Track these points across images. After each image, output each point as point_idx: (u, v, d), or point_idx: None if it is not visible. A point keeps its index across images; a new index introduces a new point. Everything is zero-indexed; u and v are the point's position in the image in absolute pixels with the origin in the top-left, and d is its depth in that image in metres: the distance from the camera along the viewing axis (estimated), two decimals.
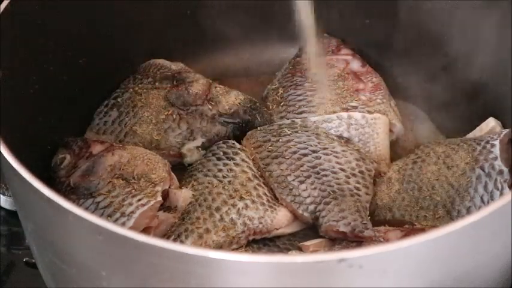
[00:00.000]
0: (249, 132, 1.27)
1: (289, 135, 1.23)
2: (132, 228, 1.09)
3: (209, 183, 1.18)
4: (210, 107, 1.30)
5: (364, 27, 1.38)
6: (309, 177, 1.18)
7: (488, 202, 1.15)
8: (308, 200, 1.16)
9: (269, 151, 1.22)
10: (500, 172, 1.17)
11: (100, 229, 0.86)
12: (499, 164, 1.17)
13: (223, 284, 0.87)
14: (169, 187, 1.17)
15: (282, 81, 1.35)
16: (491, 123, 1.26)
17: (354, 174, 1.18)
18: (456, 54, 1.29)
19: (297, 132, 1.24)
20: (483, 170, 1.17)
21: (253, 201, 1.16)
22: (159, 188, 1.15)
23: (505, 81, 1.24)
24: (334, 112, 1.28)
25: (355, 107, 1.29)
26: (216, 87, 1.32)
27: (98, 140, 1.24)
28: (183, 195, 1.17)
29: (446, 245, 0.87)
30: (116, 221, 1.10)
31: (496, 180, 1.16)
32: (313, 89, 1.32)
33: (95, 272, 0.94)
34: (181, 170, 1.25)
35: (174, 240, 1.13)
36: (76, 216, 0.87)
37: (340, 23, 1.39)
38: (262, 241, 1.16)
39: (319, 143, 1.22)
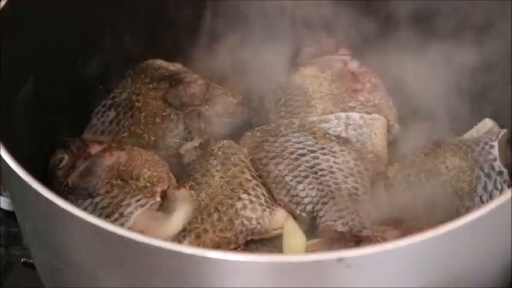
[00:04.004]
0: (247, 133, 1.27)
1: (287, 135, 1.23)
2: (130, 228, 1.09)
3: (207, 183, 1.18)
4: (207, 107, 1.30)
5: (363, 27, 1.38)
6: (306, 177, 1.18)
7: (487, 202, 1.15)
8: (306, 200, 1.16)
9: (267, 151, 1.22)
10: (500, 173, 1.17)
11: (98, 229, 0.86)
12: (498, 164, 1.17)
13: (221, 284, 0.87)
14: (167, 187, 1.17)
15: (280, 81, 1.35)
16: (488, 124, 1.26)
17: (352, 174, 1.18)
18: (455, 54, 1.29)
19: (294, 132, 1.23)
20: (482, 171, 1.17)
21: (251, 202, 1.16)
22: (157, 189, 1.15)
23: (505, 81, 1.24)
24: (332, 112, 1.28)
25: (353, 107, 1.29)
26: (213, 87, 1.32)
27: (96, 140, 1.24)
28: (181, 196, 1.17)
29: (444, 244, 0.87)
30: (114, 221, 1.10)
31: (495, 180, 1.16)
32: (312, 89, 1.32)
33: (93, 272, 0.94)
34: (180, 170, 1.25)
35: (172, 240, 1.12)
36: (74, 217, 0.87)
37: (339, 22, 1.39)
38: (261, 241, 1.16)
39: (316, 143, 1.21)
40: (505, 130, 1.22)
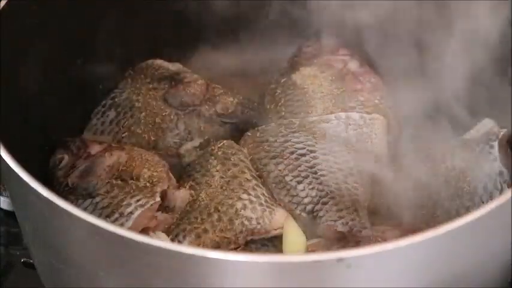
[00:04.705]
0: (247, 133, 1.27)
1: (286, 135, 1.23)
2: (130, 228, 1.09)
3: (207, 183, 1.18)
4: (207, 107, 1.30)
5: (362, 28, 1.38)
6: (306, 177, 1.18)
7: (487, 202, 1.15)
8: (306, 200, 1.16)
9: (267, 151, 1.22)
10: (500, 173, 1.17)
11: (98, 229, 0.86)
12: (498, 165, 1.17)
13: (221, 284, 0.87)
14: (167, 187, 1.17)
15: (280, 81, 1.35)
16: (488, 124, 1.26)
17: (351, 174, 1.18)
18: (454, 54, 1.29)
19: (294, 132, 1.23)
20: (482, 171, 1.17)
21: (251, 202, 1.16)
22: (157, 189, 1.15)
23: (505, 81, 1.24)
24: (332, 112, 1.28)
25: (353, 108, 1.29)
26: (213, 87, 1.33)
27: (96, 140, 1.24)
28: (181, 196, 1.17)
29: (444, 244, 0.87)
30: (114, 221, 1.10)
31: (495, 180, 1.16)
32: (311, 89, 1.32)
33: (93, 272, 0.94)
34: (180, 170, 1.25)
35: (172, 240, 1.12)
36: (74, 217, 0.87)
37: (338, 22, 1.39)
38: (261, 241, 1.16)
39: (316, 143, 1.22)
40: (505, 130, 1.22)
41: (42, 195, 0.89)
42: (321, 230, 1.14)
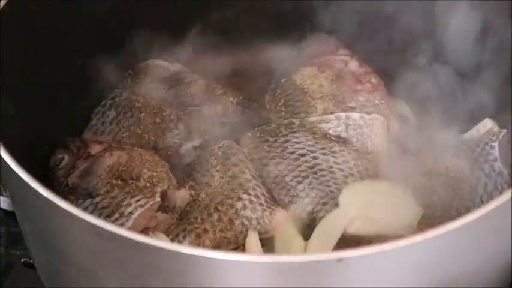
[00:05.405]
0: (247, 133, 1.27)
1: (287, 135, 1.23)
2: (130, 229, 1.09)
3: (207, 183, 1.18)
4: (207, 107, 1.30)
5: (362, 28, 1.38)
6: (306, 177, 1.18)
7: (487, 202, 1.15)
8: (306, 201, 1.16)
9: (267, 151, 1.22)
10: (501, 174, 1.16)
11: (98, 229, 0.86)
12: (499, 165, 1.17)
13: (221, 284, 0.86)
14: (167, 187, 1.17)
15: (280, 81, 1.35)
16: (488, 124, 1.26)
17: (351, 174, 1.18)
18: (454, 54, 1.30)
19: (294, 132, 1.24)
20: (483, 171, 1.17)
21: (251, 202, 1.16)
22: (157, 189, 1.15)
23: (505, 81, 1.24)
24: (332, 112, 1.28)
25: (353, 108, 1.29)
26: (213, 87, 1.33)
27: (96, 140, 1.24)
28: (181, 196, 1.17)
29: (444, 244, 0.87)
30: (114, 221, 1.10)
31: (496, 181, 1.16)
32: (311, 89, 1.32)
33: (93, 272, 0.94)
34: (180, 170, 1.25)
35: (172, 240, 1.13)
36: (74, 217, 0.87)
37: (339, 23, 1.39)
38: (261, 241, 1.16)
39: (316, 143, 1.22)
40: (505, 130, 1.22)
41: (42, 195, 0.89)
42: None
